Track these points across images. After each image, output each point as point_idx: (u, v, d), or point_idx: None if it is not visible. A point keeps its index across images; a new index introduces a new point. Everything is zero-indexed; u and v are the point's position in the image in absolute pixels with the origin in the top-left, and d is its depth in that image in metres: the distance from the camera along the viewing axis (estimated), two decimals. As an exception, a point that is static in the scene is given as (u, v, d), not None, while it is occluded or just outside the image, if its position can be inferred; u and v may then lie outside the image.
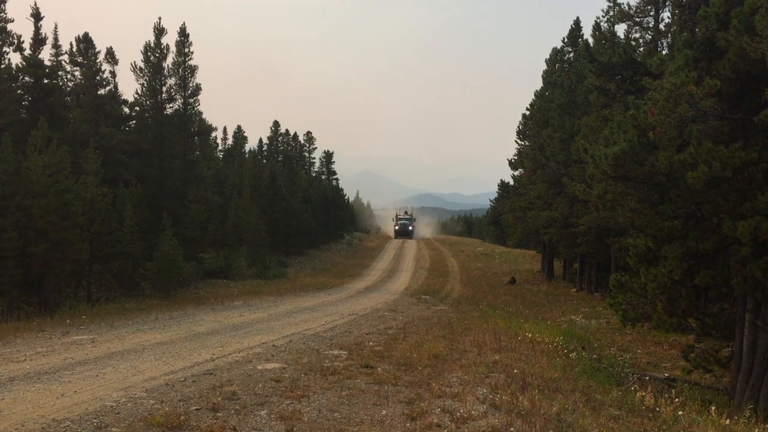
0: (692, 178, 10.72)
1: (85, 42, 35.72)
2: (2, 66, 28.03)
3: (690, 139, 11.43)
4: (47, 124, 22.16)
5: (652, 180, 11.90)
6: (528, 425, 6.86)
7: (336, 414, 7.43)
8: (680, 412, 8.60)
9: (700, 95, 10.71)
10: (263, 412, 7.39)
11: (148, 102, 35.82)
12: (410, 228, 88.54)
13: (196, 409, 7.38)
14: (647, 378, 12.66)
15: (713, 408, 9.19)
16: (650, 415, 8.54)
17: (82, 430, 6.44)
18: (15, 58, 49.24)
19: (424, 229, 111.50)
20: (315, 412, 7.44)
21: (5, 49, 28.14)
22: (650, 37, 20.55)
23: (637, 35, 21.76)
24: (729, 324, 12.72)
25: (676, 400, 9.63)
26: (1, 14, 27.75)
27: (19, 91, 28.35)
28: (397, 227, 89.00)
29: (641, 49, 20.23)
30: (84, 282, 24.35)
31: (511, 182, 49.68)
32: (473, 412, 7.43)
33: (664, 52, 18.55)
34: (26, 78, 28.61)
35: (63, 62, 34.65)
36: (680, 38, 12.28)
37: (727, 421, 8.52)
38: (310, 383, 8.98)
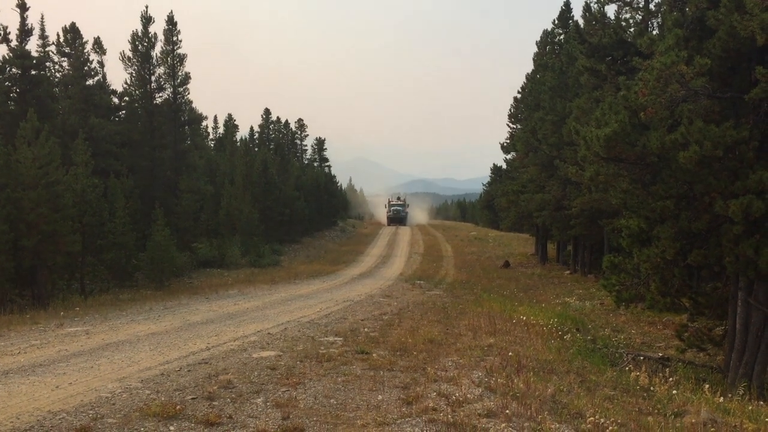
0: (684, 157, 10.72)
1: (72, 32, 35.36)
2: (-11, 58, 27.79)
3: (681, 118, 11.43)
4: (36, 115, 21.97)
5: (644, 160, 11.91)
6: (523, 407, 6.89)
7: (332, 400, 7.44)
8: (674, 391, 8.66)
9: (690, 75, 10.70)
10: (259, 399, 7.39)
11: (137, 92, 35.56)
12: (403, 214, 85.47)
13: (192, 399, 7.37)
14: (641, 358, 12.73)
15: (707, 386, 9.25)
16: (645, 394, 8.60)
17: (77, 422, 6.42)
18: (2, 50, 48.80)
19: (419, 214, 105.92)
20: (311, 399, 7.45)
21: (-9, 40, 27.88)
22: (640, 17, 20.45)
23: (627, 15, 21.64)
24: (722, 303, 12.79)
25: (671, 379, 9.69)
26: (-14, 5, 27.49)
27: (6, 83, 28.10)
28: (389, 214, 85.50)
29: (631, 29, 20.13)
30: (77, 274, 24.26)
31: (504, 166, 49.69)
32: (469, 396, 7.45)
33: (654, 32, 18.48)
34: (13, 69, 28.33)
35: (50, 53, 34.30)
36: (670, 18, 12.25)
37: (721, 399, 8.59)
38: (305, 370, 8.99)
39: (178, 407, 6.88)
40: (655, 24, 19.96)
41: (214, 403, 7.22)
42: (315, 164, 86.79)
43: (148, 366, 9.27)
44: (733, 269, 11.34)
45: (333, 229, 65.12)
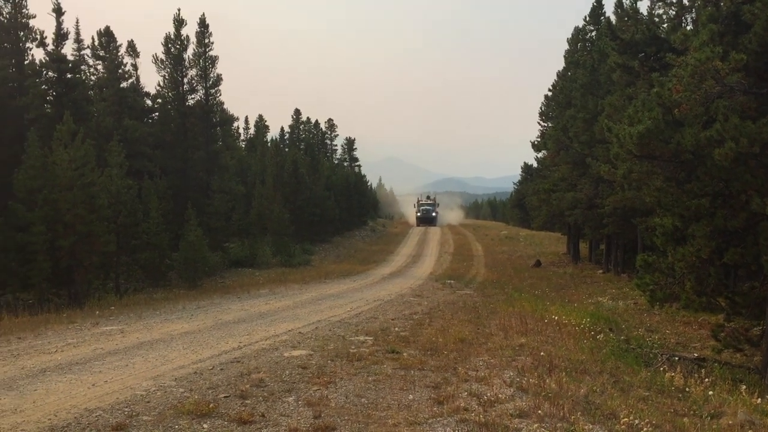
0: (719, 155, 10.53)
1: (107, 36, 35.97)
2: (26, 62, 28.35)
3: (716, 115, 11.22)
4: (72, 118, 22.40)
5: (679, 158, 11.73)
6: (556, 407, 6.83)
7: (363, 399, 7.45)
8: (710, 392, 8.52)
9: (725, 70, 10.51)
10: (291, 398, 7.43)
11: (170, 94, 36.01)
12: (434, 214, 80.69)
13: (225, 397, 7.44)
14: (676, 358, 12.54)
15: (744, 387, 9.08)
16: (680, 395, 8.47)
17: (113, 419, 6.53)
18: (38, 54, 49.88)
19: (450, 214, 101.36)
20: (342, 398, 7.48)
21: (29, 44, 28.45)
22: (674, 12, 20.17)
23: (661, 11, 21.39)
24: (759, 302, 12.52)
25: (706, 380, 9.53)
26: (24, 10, 28.01)
27: (43, 87, 28.64)
28: (419, 214, 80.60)
29: (665, 25, 19.87)
30: (112, 273, 24.66)
31: (535, 164, 49.35)
32: (500, 396, 7.41)
33: (688, 28, 18.20)
34: (50, 73, 28.89)
35: (85, 56, 34.95)
36: (705, 12, 12.05)
37: (759, 400, 8.43)
38: (336, 369, 9.02)
39: (211, 405, 6.95)
40: (689, 19, 19.67)
41: (246, 401, 7.28)
42: (345, 164, 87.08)
43: (181, 364, 9.38)
44: (771, 268, 11.12)
45: (363, 229, 65.24)
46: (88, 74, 35.63)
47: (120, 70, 35.11)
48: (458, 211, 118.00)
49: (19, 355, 10.23)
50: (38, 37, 28.47)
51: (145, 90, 38.72)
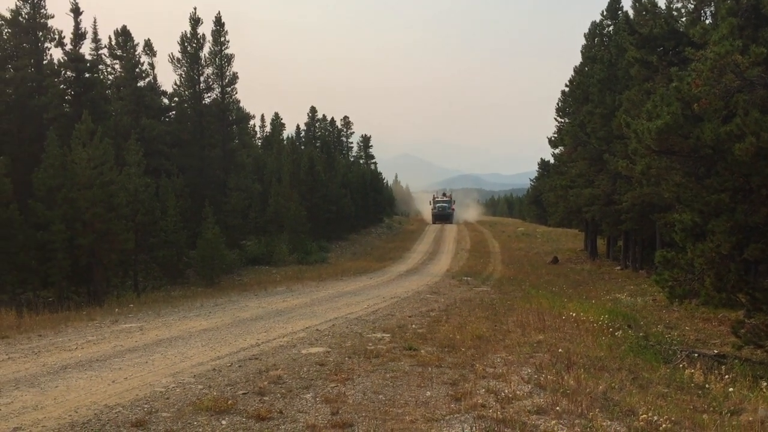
0: (740, 149, 10.43)
1: (124, 35, 36.26)
2: (45, 62, 28.64)
3: (736, 109, 11.11)
4: (90, 117, 22.61)
5: (698, 153, 11.62)
6: (574, 404, 6.79)
7: (380, 396, 7.45)
8: (731, 389, 8.44)
9: (746, 64, 10.40)
10: (308, 395, 7.45)
11: (186, 92, 36.26)
12: (450, 211, 78.03)
13: (243, 394, 7.48)
14: (696, 355, 12.43)
15: (764, 384, 8.98)
16: (699, 392, 8.39)
17: (133, 416, 6.58)
18: (57, 54, 50.33)
19: (466, 211, 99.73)
20: (359, 395, 7.48)
21: (47, 44, 28.75)
22: (692, 6, 19.93)
23: (679, 5, 21.13)
24: (781, 298, 12.39)
25: (726, 376, 9.44)
26: (42, 10, 28.30)
27: (62, 86, 28.94)
28: (434, 211, 78.15)
29: (683, 19, 19.66)
30: (130, 271, 24.87)
31: (552, 160, 49.08)
32: (518, 392, 7.38)
33: (707, 22, 18.00)
34: (68, 73, 29.19)
35: (103, 56, 35.30)
36: (724, 6, 11.92)
37: (780, 398, 8.33)
38: (353, 366, 9.03)
39: (229, 402, 6.98)
40: (708, 13, 19.43)
41: (264, 398, 7.31)
42: (361, 161, 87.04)
43: (200, 361, 9.44)
44: (792, 264, 11.00)
45: (379, 226, 65.26)
46: (105, 74, 36.00)
47: (137, 69, 35.39)
48: (475, 207, 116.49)
49: (39, 352, 10.34)
50: (56, 37, 28.78)
51: (162, 89, 39.05)
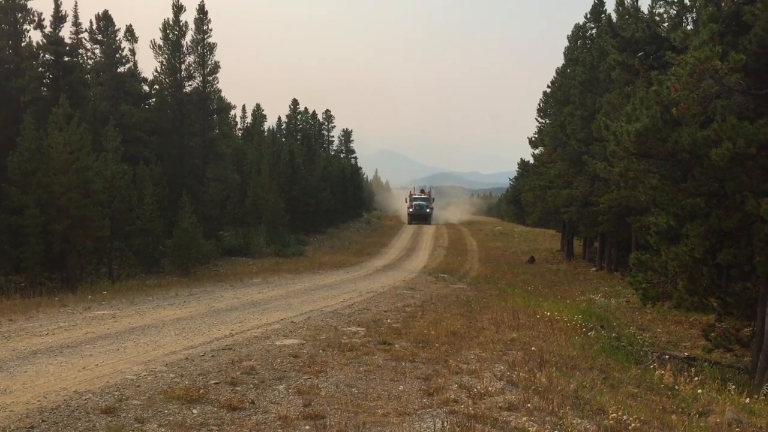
0: (716, 155, 10.55)
1: (105, 20, 35.72)
2: (23, 44, 28.15)
3: (714, 115, 11.24)
4: (68, 101, 22.29)
5: (675, 157, 11.74)
6: (545, 402, 6.84)
7: (353, 389, 7.46)
8: (699, 391, 8.55)
9: (725, 70, 10.51)
10: (281, 386, 7.43)
11: (167, 80, 35.91)
12: (428, 211, 71.06)
13: (215, 383, 7.44)
14: (667, 357, 12.58)
15: (732, 386, 9.11)
16: (669, 393, 8.50)
17: (103, 403, 6.52)
18: (36, 36, 49.57)
19: (450, 211, 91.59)
20: (332, 387, 7.48)
21: (26, 26, 28.19)
22: (675, 11, 20.12)
23: (662, 10, 21.32)
24: (751, 303, 12.57)
25: (696, 378, 9.55)
26: (22, -9, 27.80)
27: (40, 69, 28.45)
28: (410, 210, 71.10)
29: (665, 24, 19.83)
30: (105, 258, 24.59)
31: (531, 161, 49.34)
32: (490, 389, 7.42)
33: (688, 27, 18.18)
34: (47, 56, 28.68)
35: (83, 40, 34.71)
36: (705, 12, 12.04)
37: (747, 400, 8.46)
38: (327, 359, 9.02)
39: (201, 391, 6.95)
40: (689, 19, 19.63)
41: (236, 388, 7.28)
42: (341, 155, 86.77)
43: (172, 350, 9.38)
44: (763, 269, 11.15)
45: (358, 221, 65.19)
46: (85, 58, 35.45)
47: (117, 55, 34.89)
48: (461, 206, 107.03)
49: (10, 336, 10.21)
50: (36, 19, 28.23)
51: (142, 75, 38.57)
